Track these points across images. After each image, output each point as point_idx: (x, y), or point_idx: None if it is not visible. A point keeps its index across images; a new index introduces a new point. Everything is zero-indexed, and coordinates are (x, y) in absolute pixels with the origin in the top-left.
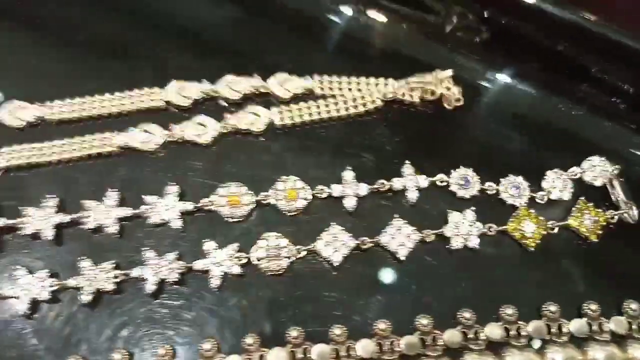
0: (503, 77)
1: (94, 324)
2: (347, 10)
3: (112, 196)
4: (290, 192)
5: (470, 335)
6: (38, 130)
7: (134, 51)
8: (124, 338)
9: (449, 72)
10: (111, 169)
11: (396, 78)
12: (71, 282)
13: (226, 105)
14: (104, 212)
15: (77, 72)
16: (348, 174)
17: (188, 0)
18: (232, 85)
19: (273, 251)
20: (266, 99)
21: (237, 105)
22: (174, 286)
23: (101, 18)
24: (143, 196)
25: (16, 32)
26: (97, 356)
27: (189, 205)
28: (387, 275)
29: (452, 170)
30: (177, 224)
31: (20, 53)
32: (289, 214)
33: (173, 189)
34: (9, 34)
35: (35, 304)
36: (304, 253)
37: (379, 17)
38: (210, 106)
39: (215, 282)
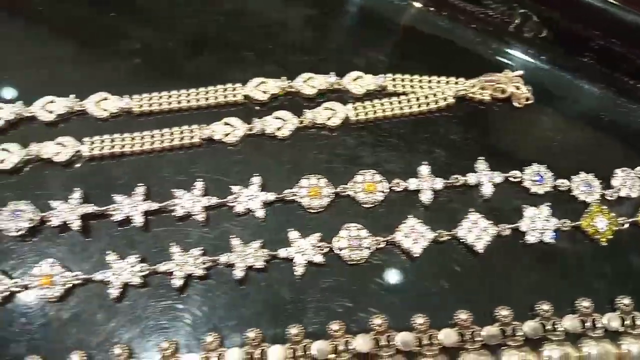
0: (568, 76)
1: (182, 309)
2: (418, 11)
3: (198, 186)
4: (369, 185)
5: (549, 327)
6: (120, 122)
7: (215, 48)
8: (212, 322)
9: (520, 72)
10: (194, 160)
11: (462, 76)
12: (161, 267)
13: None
14: (191, 201)
15: (163, 68)
16: (424, 169)
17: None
18: (309, 82)
19: (355, 241)
20: (339, 95)
21: (310, 100)
22: (259, 273)
23: (186, 16)
24: (230, 186)
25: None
26: (192, 340)
27: (270, 196)
28: (463, 268)
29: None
30: (260, 213)
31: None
32: (366, 206)
33: (256, 180)
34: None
35: (125, 289)
36: (383, 244)
37: (447, 16)
38: (286, 101)
39: (299, 270)
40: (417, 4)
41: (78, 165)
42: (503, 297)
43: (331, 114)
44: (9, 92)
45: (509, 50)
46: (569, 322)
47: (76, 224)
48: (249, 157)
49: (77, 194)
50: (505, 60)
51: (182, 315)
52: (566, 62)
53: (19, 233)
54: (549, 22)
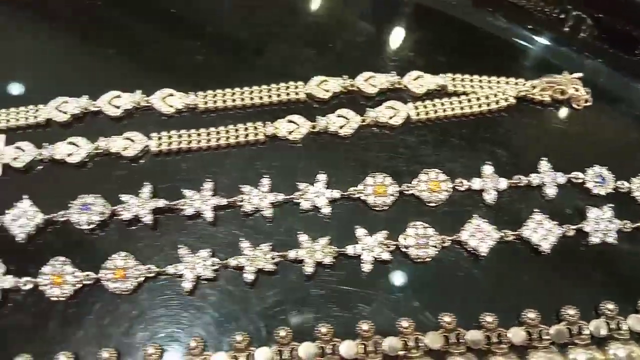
0: (626, 77)
1: (253, 302)
2: (476, 11)
3: (265, 182)
4: (434, 184)
5: (613, 326)
6: (182, 118)
7: (276, 46)
8: (279, 316)
9: (579, 74)
10: (258, 156)
11: (519, 77)
12: (232, 261)
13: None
14: (257, 197)
15: (227, 66)
16: (487, 168)
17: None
18: (370, 81)
19: (422, 239)
20: (398, 94)
21: (368, 98)
22: (326, 270)
23: (248, 14)
24: (296, 183)
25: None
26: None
27: (336, 193)
28: (527, 267)
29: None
30: (326, 210)
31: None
32: (430, 204)
33: (322, 177)
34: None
35: (197, 282)
36: (448, 243)
37: (504, 17)
38: (345, 99)
39: (366, 267)
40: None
41: (142, 160)
42: (568, 297)
43: (393, 113)
44: (76, 89)
45: (566, 51)
46: (633, 322)
47: (147, 218)
48: (312, 154)
49: (146, 189)
50: (562, 62)
51: (253, 308)
52: (623, 63)
53: (91, 226)
54: (603, 23)
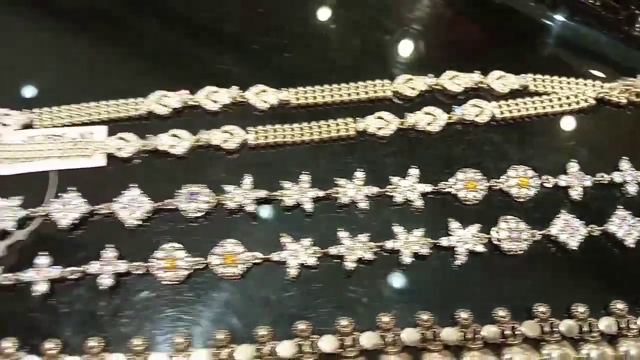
0: None
1: (353, 289)
2: (558, 15)
3: (359, 175)
4: (523, 180)
5: None
6: (277, 114)
7: (361, 44)
8: (374, 305)
9: None
10: (349, 151)
11: (594, 79)
12: (333, 250)
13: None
14: (354, 190)
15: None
16: (573, 166)
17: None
18: (455, 80)
19: (514, 233)
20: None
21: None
22: (422, 261)
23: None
24: (390, 177)
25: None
26: (367, 319)
27: (427, 187)
28: (614, 262)
29: None
30: (419, 203)
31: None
32: (517, 200)
33: (414, 171)
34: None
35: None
36: (539, 237)
37: (581, 22)
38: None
39: (461, 259)
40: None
41: (235, 154)
42: None
43: (479, 111)
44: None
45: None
46: None
47: (250, 208)
48: (401, 150)
49: (248, 180)
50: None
51: (354, 296)
52: None
53: (199, 214)
54: None
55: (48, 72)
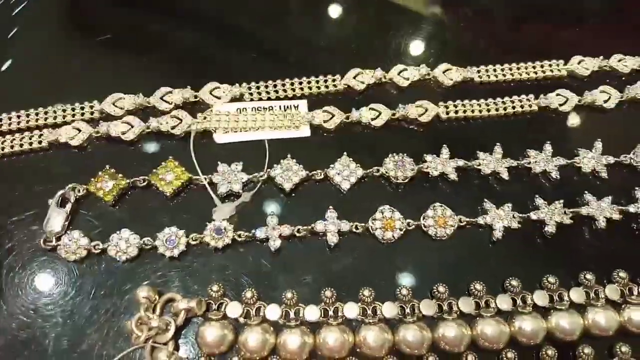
0: None
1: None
2: None
3: (547, 148)
4: None
5: None
6: (459, 90)
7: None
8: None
9: None
10: (531, 125)
11: None
12: (533, 216)
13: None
14: (545, 160)
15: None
16: None
17: None
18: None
19: None
20: None
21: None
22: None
23: None
24: (577, 149)
25: None
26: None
27: (610, 159)
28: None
29: None
30: (604, 175)
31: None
32: None
33: (598, 145)
34: None
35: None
36: None
37: None
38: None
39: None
40: None
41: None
42: None
43: None
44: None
45: None
46: None
47: (452, 176)
48: (579, 124)
49: (445, 150)
50: None
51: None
52: None
53: (405, 181)
54: None
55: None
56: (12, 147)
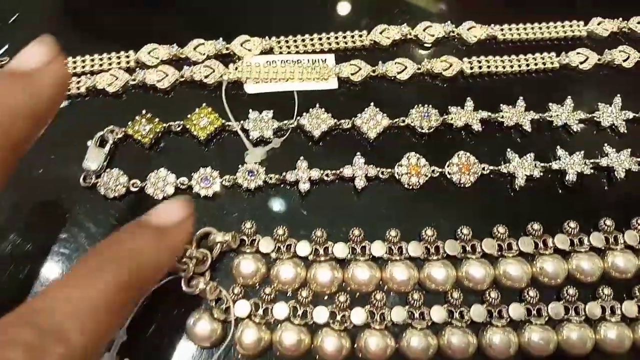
0: None
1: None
2: None
3: (568, 102)
4: None
5: None
6: (484, 47)
7: None
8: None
9: None
10: (553, 82)
11: None
12: (554, 165)
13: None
14: (565, 114)
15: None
16: None
17: None
18: None
19: None
20: None
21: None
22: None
23: None
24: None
25: None
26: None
27: (629, 114)
28: None
29: None
30: (622, 129)
31: None
32: None
33: (618, 100)
34: None
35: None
36: None
37: None
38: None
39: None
40: None
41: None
42: None
43: None
44: None
45: None
46: None
47: (476, 127)
48: (600, 83)
49: (469, 103)
50: None
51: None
52: None
53: (430, 131)
54: None
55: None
56: None
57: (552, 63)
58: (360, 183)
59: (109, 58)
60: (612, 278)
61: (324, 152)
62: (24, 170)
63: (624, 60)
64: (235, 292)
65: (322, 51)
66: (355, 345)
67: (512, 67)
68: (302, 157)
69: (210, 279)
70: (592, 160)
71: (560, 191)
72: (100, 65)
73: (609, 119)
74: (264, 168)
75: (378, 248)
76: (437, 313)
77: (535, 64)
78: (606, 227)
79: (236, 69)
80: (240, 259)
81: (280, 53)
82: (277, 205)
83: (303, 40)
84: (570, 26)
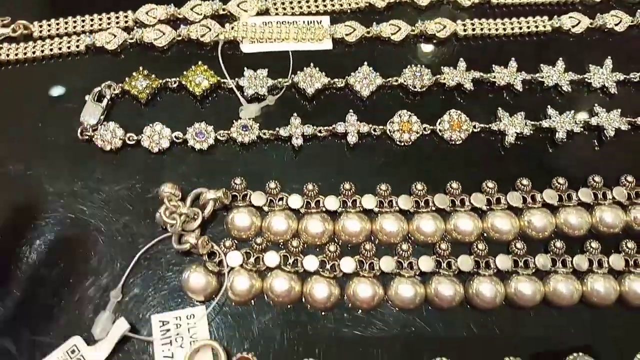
0: None
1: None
2: None
3: (560, 64)
4: None
5: None
6: (478, 10)
7: None
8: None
9: None
10: (544, 44)
11: None
12: (545, 124)
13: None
14: (557, 75)
15: None
16: None
17: None
18: None
19: None
20: None
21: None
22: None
23: None
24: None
25: None
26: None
27: (620, 76)
28: None
29: None
30: (613, 90)
31: None
32: None
33: (609, 62)
34: None
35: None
36: None
37: None
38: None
39: None
40: None
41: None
42: None
43: None
44: None
45: None
46: None
47: (468, 86)
48: (591, 46)
49: (462, 63)
50: None
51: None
52: None
53: (422, 89)
54: None
55: None
56: (51, 50)
57: (544, 26)
58: (352, 139)
59: (108, 17)
60: (600, 232)
61: (317, 110)
62: (28, 125)
63: (616, 25)
64: (227, 245)
65: (317, 13)
66: (345, 293)
67: (505, 29)
68: (295, 114)
69: (202, 235)
70: (582, 119)
71: (550, 150)
72: (100, 24)
73: (600, 80)
74: (258, 124)
75: (369, 201)
76: (425, 263)
77: (528, 27)
78: (595, 184)
79: (232, 28)
80: (234, 212)
81: (277, 14)
82: (270, 160)
83: (299, 2)
84: None
